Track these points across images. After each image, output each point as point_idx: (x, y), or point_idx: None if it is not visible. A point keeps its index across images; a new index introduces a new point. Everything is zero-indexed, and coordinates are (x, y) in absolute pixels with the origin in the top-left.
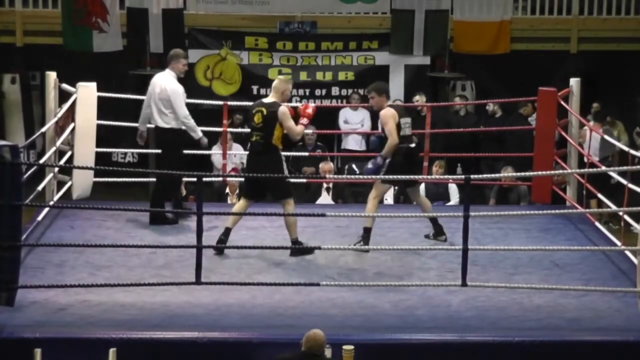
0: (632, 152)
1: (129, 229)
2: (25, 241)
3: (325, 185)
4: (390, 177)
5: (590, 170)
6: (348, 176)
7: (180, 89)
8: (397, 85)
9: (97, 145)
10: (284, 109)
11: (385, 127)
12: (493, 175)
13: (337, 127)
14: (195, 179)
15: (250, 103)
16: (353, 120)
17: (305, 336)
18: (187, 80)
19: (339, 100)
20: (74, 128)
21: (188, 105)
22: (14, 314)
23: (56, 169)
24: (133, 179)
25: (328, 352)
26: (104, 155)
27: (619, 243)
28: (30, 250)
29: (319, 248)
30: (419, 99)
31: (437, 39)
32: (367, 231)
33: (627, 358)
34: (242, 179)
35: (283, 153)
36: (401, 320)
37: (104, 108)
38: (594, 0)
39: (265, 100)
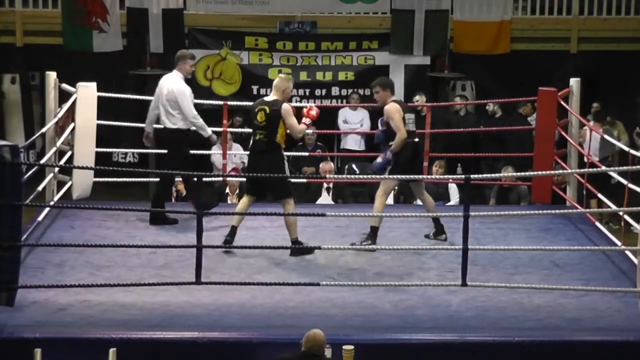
0: (632, 152)
1: (129, 229)
2: (25, 241)
3: (325, 185)
4: (392, 177)
5: (590, 170)
6: (348, 176)
7: (187, 89)
8: (397, 86)
9: (97, 145)
10: (286, 106)
11: (391, 122)
12: (493, 175)
13: (336, 127)
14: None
15: (251, 103)
16: (352, 120)
17: (305, 336)
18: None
19: (339, 100)
20: (74, 128)
21: None
22: (14, 314)
23: (56, 169)
24: (133, 179)
25: (328, 352)
26: (104, 155)
27: (619, 243)
28: (30, 250)
29: (319, 248)
30: (419, 99)
31: (437, 39)
32: (374, 230)
33: (627, 358)
34: (243, 178)
35: (284, 153)
36: (401, 320)
37: (104, 108)
38: (594, 0)
39: (266, 98)
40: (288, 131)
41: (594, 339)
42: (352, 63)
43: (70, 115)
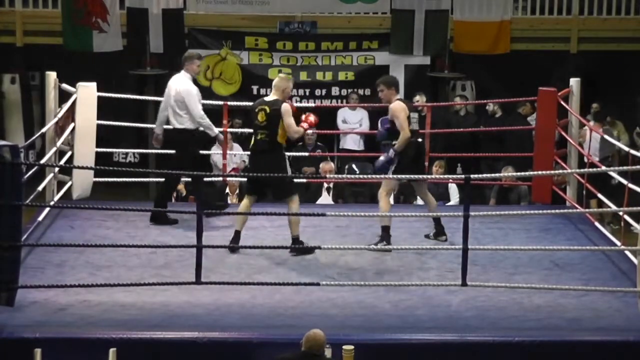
0: (632, 152)
1: (129, 229)
2: (25, 241)
3: (325, 185)
4: (393, 176)
5: (590, 170)
6: (348, 176)
7: (194, 89)
8: None
9: (97, 145)
10: (286, 105)
11: (396, 120)
12: (493, 175)
13: (336, 128)
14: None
15: (251, 103)
16: (351, 120)
17: (305, 336)
18: None
19: (339, 101)
20: (74, 128)
21: None
22: (14, 314)
23: (56, 169)
24: (133, 179)
25: (328, 352)
26: (105, 155)
27: (619, 243)
28: (30, 250)
29: (319, 248)
30: (419, 99)
31: (437, 39)
32: (385, 230)
33: (627, 358)
34: (244, 178)
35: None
36: (401, 320)
37: (104, 108)
38: (594, 0)
39: (266, 98)
40: None
41: (594, 339)
42: (352, 63)
43: (70, 115)
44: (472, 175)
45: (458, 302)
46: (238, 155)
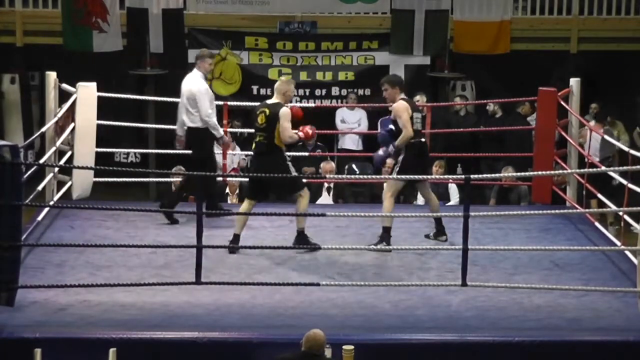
0: (633, 152)
1: (129, 229)
2: (25, 241)
3: (326, 185)
4: (394, 177)
5: (590, 170)
6: (348, 176)
7: (203, 87)
8: None
9: (98, 145)
10: (285, 109)
11: (399, 119)
12: (493, 175)
13: (336, 128)
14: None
15: (250, 103)
16: (350, 120)
17: (305, 336)
18: None
19: (339, 101)
20: (74, 128)
21: None
22: (14, 314)
23: (56, 169)
24: (133, 179)
25: (328, 352)
26: (105, 155)
27: (619, 243)
28: (30, 250)
29: (320, 248)
30: (419, 99)
31: (437, 39)
32: (386, 230)
33: (627, 358)
34: (246, 181)
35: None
36: (401, 320)
37: (104, 108)
38: (594, 0)
39: (268, 101)
40: None
41: (594, 339)
42: (352, 63)
43: (70, 115)
44: (472, 176)
45: (458, 302)
46: (238, 155)
